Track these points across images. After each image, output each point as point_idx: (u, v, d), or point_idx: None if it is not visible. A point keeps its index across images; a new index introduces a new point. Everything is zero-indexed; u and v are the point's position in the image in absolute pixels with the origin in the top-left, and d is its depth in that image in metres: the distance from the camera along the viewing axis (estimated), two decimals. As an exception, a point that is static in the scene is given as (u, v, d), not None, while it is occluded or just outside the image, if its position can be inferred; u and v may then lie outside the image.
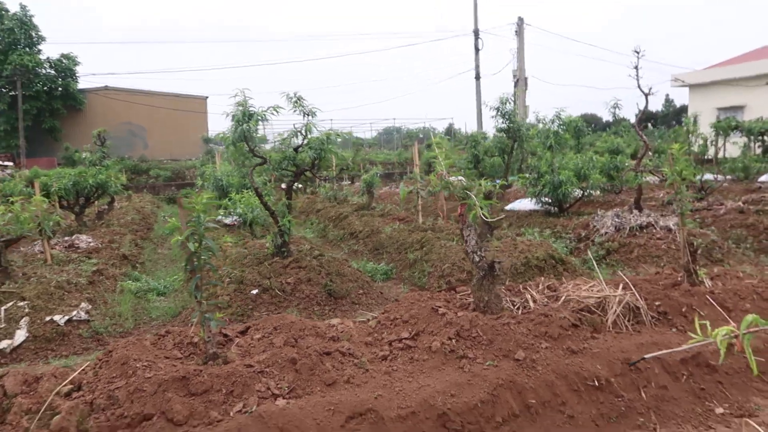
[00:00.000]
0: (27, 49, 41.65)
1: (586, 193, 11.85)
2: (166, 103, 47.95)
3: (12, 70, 39.59)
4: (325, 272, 7.30)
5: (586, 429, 3.76)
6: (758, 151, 25.15)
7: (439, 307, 4.43)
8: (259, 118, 7.08)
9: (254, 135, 7.11)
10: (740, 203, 11.92)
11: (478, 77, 43.87)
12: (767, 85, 32.74)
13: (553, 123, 12.24)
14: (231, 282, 7.02)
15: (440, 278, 7.96)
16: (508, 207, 13.26)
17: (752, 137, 24.62)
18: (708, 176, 20.11)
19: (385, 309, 4.81)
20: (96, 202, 15.90)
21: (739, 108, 34.45)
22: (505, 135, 14.16)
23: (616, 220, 9.63)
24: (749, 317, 1.95)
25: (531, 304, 4.76)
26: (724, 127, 25.53)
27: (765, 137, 24.64)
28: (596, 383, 3.95)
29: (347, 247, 11.70)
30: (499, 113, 13.97)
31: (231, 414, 3.35)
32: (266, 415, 3.25)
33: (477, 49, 40.59)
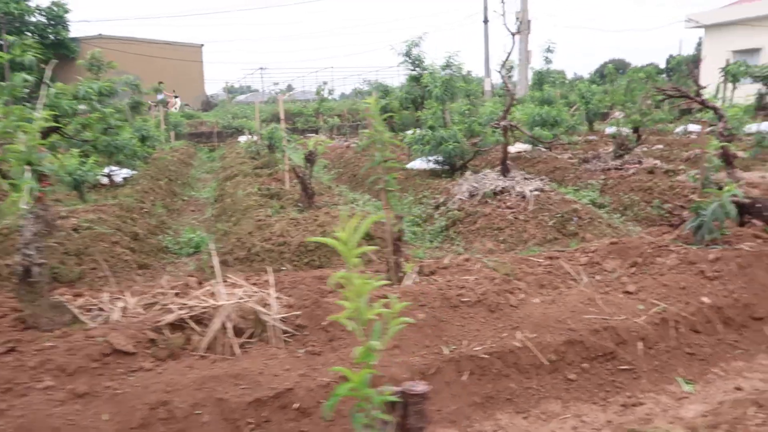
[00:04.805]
0: (12, -5, 40.86)
1: (481, 151, 10.39)
2: (160, 52, 46.82)
3: (-3, 19, 38.95)
4: (61, 250, 6.27)
5: None
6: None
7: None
8: None
9: None
10: (656, 162, 10.33)
11: (486, 20, 41.40)
12: (786, 25, 29.61)
13: (445, 69, 10.66)
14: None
15: (224, 255, 6.89)
16: (409, 165, 11.90)
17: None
18: (680, 128, 18.14)
19: None
20: None
21: (756, 51, 31.36)
22: (415, 83, 12.63)
23: (474, 184, 8.27)
24: None
25: (117, 315, 3.63)
26: (733, 72, 22.90)
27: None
28: (79, 443, 2.85)
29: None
30: (407, 58, 12.44)
31: None
32: None
33: (485, -10, 38.39)
